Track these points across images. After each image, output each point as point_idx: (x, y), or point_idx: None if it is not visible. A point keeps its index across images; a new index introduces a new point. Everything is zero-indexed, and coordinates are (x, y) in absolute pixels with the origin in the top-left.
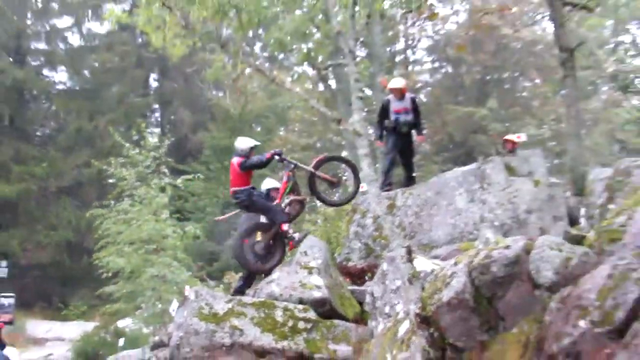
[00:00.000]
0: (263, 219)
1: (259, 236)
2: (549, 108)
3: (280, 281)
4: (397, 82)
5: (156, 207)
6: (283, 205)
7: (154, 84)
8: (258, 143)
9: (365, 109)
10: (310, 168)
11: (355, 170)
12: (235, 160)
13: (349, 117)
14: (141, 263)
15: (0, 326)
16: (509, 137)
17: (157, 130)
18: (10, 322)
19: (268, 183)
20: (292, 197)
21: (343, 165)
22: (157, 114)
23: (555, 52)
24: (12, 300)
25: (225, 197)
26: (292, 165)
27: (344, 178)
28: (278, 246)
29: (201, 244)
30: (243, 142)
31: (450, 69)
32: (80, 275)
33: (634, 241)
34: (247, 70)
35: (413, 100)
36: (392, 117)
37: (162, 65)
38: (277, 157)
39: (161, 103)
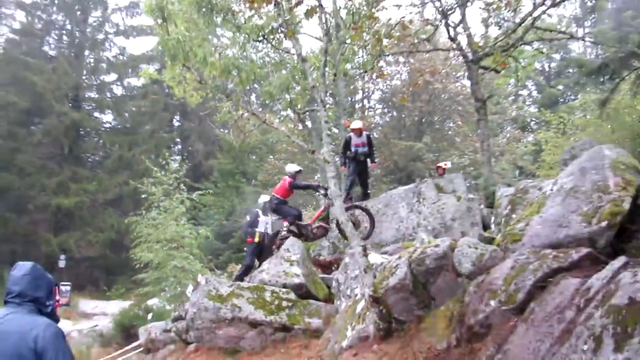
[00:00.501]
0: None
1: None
2: (467, 143)
3: (269, 270)
4: (357, 124)
5: (177, 215)
6: (314, 226)
7: (176, 123)
8: (301, 168)
9: (333, 143)
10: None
11: (371, 216)
12: (287, 179)
13: (321, 149)
14: (165, 257)
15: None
16: (439, 164)
17: (178, 157)
18: (67, 304)
19: (264, 198)
20: (321, 223)
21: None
22: (179, 146)
23: (472, 102)
24: (68, 287)
25: (229, 208)
26: (330, 201)
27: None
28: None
29: (210, 242)
30: (291, 167)
31: (395, 113)
32: (120, 266)
33: (530, 242)
34: (246, 114)
35: (368, 137)
36: (353, 149)
37: (182, 110)
38: (322, 191)
39: (182, 138)
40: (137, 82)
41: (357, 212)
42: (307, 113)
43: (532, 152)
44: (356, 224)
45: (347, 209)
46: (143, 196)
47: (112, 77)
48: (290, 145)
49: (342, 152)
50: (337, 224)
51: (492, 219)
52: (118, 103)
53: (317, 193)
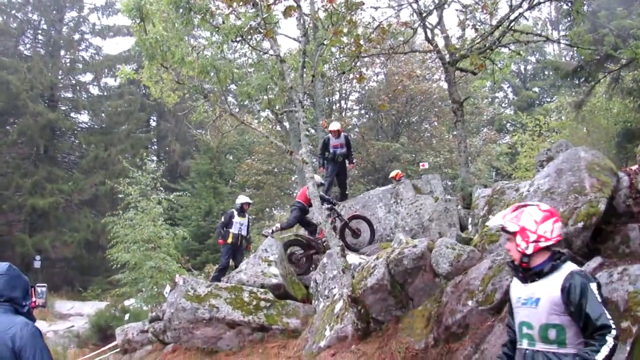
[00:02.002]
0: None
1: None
2: (444, 143)
3: (247, 271)
4: (335, 125)
5: (154, 215)
6: (324, 239)
7: (153, 123)
8: (324, 182)
9: (311, 144)
10: (345, 219)
11: (371, 226)
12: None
13: (299, 149)
14: (142, 257)
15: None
16: (392, 174)
17: (155, 158)
18: (43, 305)
19: (242, 199)
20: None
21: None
22: (156, 146)
23: (449, 103)
24: (44, 289)
25: (206, 208)
26: (336, 215)
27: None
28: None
29: (187, 243)
30: (317, 178)
31: (372, 114)
32: (96, 266)
33: None
34: (223, 115)
35: (346, 138)
36: (331, 150)
37: (159, 110)
38: (326, 205)
39: (158, 138)
40: (113, 82)
41: (356, 221)
42: (285, 114)
43: (508, 153)
44: (357, 233)
45: (350, 218)
46: (120, 196)
47: (88, 77)
48: (269, 145)
49: (321, 153)
50: (342, 226)
51: (470, 219)
52: (94, 103)
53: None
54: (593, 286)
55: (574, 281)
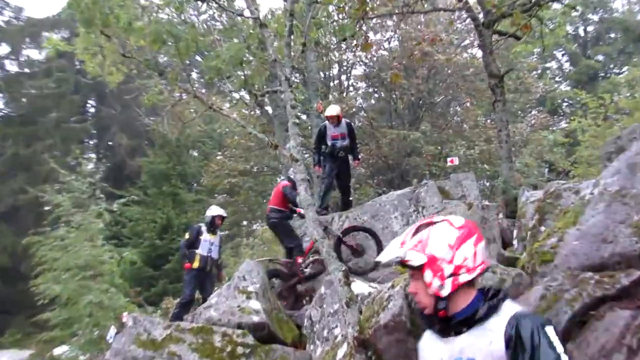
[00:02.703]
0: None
1: None
2: (479, 130)
3: (219, 306)
4: (333, 109)
5: (92, 233)
6: (306, 262)
7: (91, 110)
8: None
9: (302, 135)
10: (338, 233)
11: (378, 240)
12: (282, 183)
13: (286, 142)
14: (78, 289)
15: None
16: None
17: (94, 155)
18: None
19: (214, 210)
20: (316, 257)
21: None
22: (95, 140)
23: (485, 77)
24: None
25: (163, 222)
26: (323, 227)
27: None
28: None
29: (139, 269)
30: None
31: (383, 94)
32: (16, 302)
33: (565, 262)
34: (185, 97)
35: (349, 126)
36: (329, 142)
37: (99, 91)
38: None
39: (98, 129)
40: (37, 55)
41: (359, 235)
42: (267, 95)
43: (565, 143)
44: (358, 251)
45: (345, 232)
46: (46, 208)
47: (4, 49)
48: (245, 137)
49: (315, 146)
50: (336, 243)
51: (515, 232)
52: (11, 83)
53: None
54: (549, 331)
55: (523, 329)
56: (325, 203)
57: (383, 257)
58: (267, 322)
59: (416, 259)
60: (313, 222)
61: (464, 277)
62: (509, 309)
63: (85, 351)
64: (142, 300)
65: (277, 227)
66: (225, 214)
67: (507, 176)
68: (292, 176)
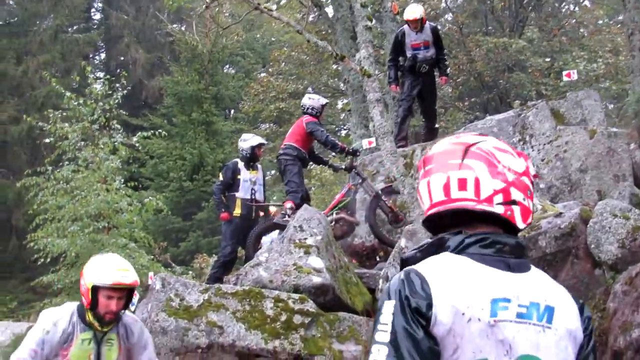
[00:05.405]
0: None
1: None
2: (602, 37)
3: (270, 264)
4: (415, 11)
5: (106, 173)
6: (329, 219)
7: (97, 16)
8: (328, 101)
9: (374, 43)
10: (377, 189)
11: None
12: (305, 118)
13: (352, 53)
14: (89, 245)
15: None
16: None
17: (102, 75)
18: None
19: (250, 139)
20: (342, 215)
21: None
22: (102, 54)
23: None
24: None
25: (194, 159)
26: (360, 180)
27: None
28: None
29: (164, 219)
30: (312, 98)
31: None
32: (8, 263)
33: None
34: None
35: (434, 31)
36: (409, 53)
37: None
38: (349, 158)
39: (107, 40)
40: None
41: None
42: None
43: None
44: (398, 217)
45: (387, 190)
46: (47, 141)
47: None
48: (297, 48)
49: (391, 59)
50: (372, 201)
51: None
52: None
53: (339, 154)
54: (386, 305)
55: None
56: (403, 132)
57: None
58: (332, 284)
59: None
60: (391, 155)
61: None
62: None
63: None
64: (169, 258)
65: (287, 167)
66: (265, 142)
67: None
68: (314, 105)
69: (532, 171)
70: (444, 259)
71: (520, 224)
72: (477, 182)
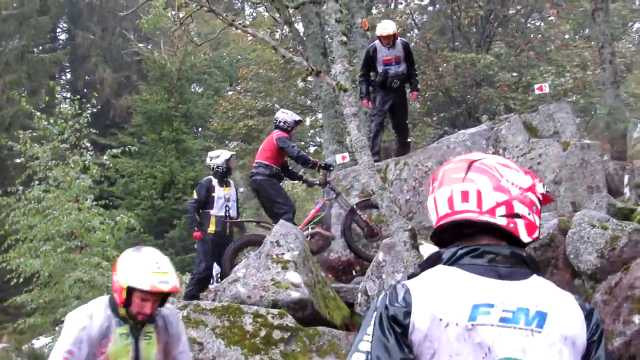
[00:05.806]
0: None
1: None
2: (570, 51)
3: (248, 280)
4: (388, 27)
5: (77, 192)
6: (305, 233)
7: (63, 36)
8: (300, 118)
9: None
10: (352, 204)
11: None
12: (276, 133)
13: (323, 70)
14: (62, 264)
15: None
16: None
17: (69, 95)
18: None
19: (220, 154)
20: (318, 229)
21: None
22: (68, 74)
23: None
24: None
25: (165, 177)
26: (334, 195)
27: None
28: None
29: (137, 237)
30: (284, 115)
31: (442, 5)
32: None
33: None
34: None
35: (406, 47)
36: (380, 69)
37: (72, 11)
38: (321, 172)
39: (73, 59)
40: None
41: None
42: (300, 7)
43: None
44: (374, 232)
45: (363, 204)
46: (17, 161)
47: None
48: (264, 65)
49: (362, 74)
50: (348, 215)
51: (625, 178)
52: None
53: (311, 169)
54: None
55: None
56: (376, 147)
57: None
58: (310, 299)
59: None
60: (369, 169)
61: None
62: None
63: None
64: None
65: (264, 188)
66: (235, 153)
67: (613, 107)
68: (287, 119)
69: (542, 190)
70: (434, 271)
71: (525, 238)
72: (479, 194)
